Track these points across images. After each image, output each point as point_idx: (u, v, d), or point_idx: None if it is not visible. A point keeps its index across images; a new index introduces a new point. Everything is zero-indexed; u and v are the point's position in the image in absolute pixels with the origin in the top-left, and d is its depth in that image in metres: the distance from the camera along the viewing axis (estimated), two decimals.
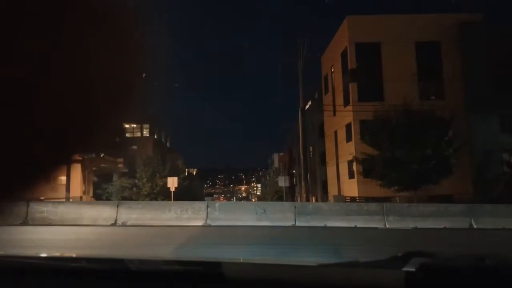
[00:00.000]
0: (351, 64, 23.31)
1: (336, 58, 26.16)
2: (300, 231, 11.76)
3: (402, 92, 18.79)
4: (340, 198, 22.25)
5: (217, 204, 14.18)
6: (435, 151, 16.82)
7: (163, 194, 24.01)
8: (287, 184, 23.81)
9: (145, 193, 25.49)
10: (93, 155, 22.88)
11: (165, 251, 7.60)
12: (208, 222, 12.76)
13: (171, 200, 19.27)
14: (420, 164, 16.57)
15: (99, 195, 26.75)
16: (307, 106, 28.88)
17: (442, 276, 1.08)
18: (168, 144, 43.95)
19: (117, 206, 13.04)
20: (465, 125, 20.05)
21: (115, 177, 29.20)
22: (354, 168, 21.76)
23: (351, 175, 23.32)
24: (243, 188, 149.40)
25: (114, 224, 12.48)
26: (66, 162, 0.64)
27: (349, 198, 22.00)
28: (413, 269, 1.08)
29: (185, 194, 24.45)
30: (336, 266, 1.27)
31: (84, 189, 26.42)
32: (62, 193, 20.50)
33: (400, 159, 16.59)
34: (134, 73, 0.63)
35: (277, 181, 26.55)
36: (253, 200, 61.15)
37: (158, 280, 1.20)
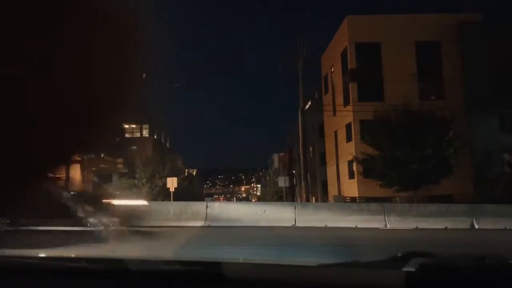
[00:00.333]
0: (351, 64, 23.26)
1: (336, 58, 26.11)
2: (300, 232, 11.69)
3: (402, 92, 18.75)
4: (340, 198, 22.18)
5: (216, 204, 14.11)
6: (435, 151, 16.78)
7: (163, 195, 23.96)
8: (287, 184, 23.75)
9: (145, 193, 25.44)
10: (93, 156, 22.83)
11: (164, 252, 7.54)
12: (208, 222, 12.69)
13: (170, 200, 19.19)
14: (420, 164, 16.53)
15: None
16: (307, 106, 28.82)
17: (442, 276, 1.08)
18: (167, 145, 43.89)
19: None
20: (465, 125, 20.01)
21: (114, 178, 29.14)
22: (354, 168, 21.72)
23: (351, 175, 23.26)
24: (243, 189, 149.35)
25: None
26: (65, 163, 0.64)
27: (349, 198, 21.93)
28: (413, 269, 1.08)
29: (184, 194, 24.37)
30: (336, 266, 1.27)
31: (83, 189, 26.35)
32: None
33: (400, 159, 16.55)
34: (134, 73, 0.63)
35: (277, 181, 26.49)
36: (253, 200, 61.14)
37: (158, 280, 1.21)
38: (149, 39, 0.63)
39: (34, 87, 0.52)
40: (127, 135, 35.15)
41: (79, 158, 20.74)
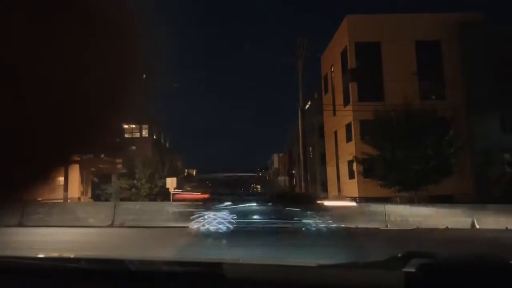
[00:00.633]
0: (351, 63, 23.18)
1: (336, 58, 26.04)
2: (300, 232, 11.59)
3: (402, 92, 18.65)
4: (341, 198, 22.08)
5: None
6: (436, 151, 16.69)
7: (163, 195, 23.86)
8: (287, 184, 23.63)
9: (144, 194, 25.32)
10: (92, 156, 22.74)
11: (163, 253, 7.46)
12: None
13: (170, 201, 19.09)
14: (421, 164, 16.44)
15: (98, 196, 26.57)
16: (307, 106, 28.75)
17: (442, 276, 1.08)
18: (167, 145, 43.81)
19: (114, 207, 12.88)
20: (465, 125, 19.95)
21: (114, 178, 29.02)
22: (354, 168, 21.64)
23: (351, 175, 23.18)
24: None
25: (111, 225, 12.32)
26: (64, 163, 0.63)
27: (349, 198, 21.84)
28: (413, 270, 1.09)
29: None
30: (336, 267, 1.28)
31: (82, 190, 26.27)
32: (60, 194, 20.31)
33: (401, 159, 16.46)
34: (134, 73, 0.63)
35: (277, 181, 26.37)
36: None
37: (158, 280, 1.21)
38: (149, 40, 0.63)
39: (33, 87, 0.51)
40: (126, 135, 35.06)
41: (78, 159, 20.64)
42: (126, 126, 33.66)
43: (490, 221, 12.22)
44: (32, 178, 0.58)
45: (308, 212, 9.99)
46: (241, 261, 1.63)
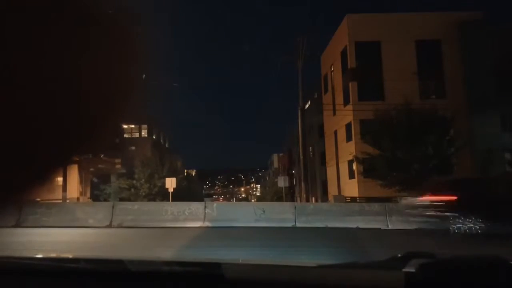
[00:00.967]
0: (351, 63, 23.10)
1: (336, 57, 25.95)
2: (300, 232, 11.51)
3: (403, 91, 18.58)
4: (341, 198, 21.98)
5: (215, 205, 13.89)
6: (436, 151, 16.59)
7: (162, 195, 23.78)
8: (287, 184, 23.53)
9: (144, 194, 25.27)
10: (91, 156, 22.64)
11: (162, 253, 7.36)
12: (206, 223, 12.51)
13: (169, 201, 18.99)
14: (421, 164, 16.34)
15: (97, 196, 26.49)
16: (307, 106, 28.66)
17: (442, 276, 1.08)
18: (166, 145, 43.75)
19: (112, 207, 12.77)
20: (466, 124, 19.85)
21: (113, 178, 28.93)
22: (354, 168, 21.54)
23: (351, 175, 23.09)
24: (242, 189, 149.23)
25: (109, 226, 12.21)
26: (64, 164, 0.63)
27: (349, 198, 21.75)
28: (413, 270, 1.09)
29: (184, 195, 24.19)
30: (336, 267, 1.28)
31: (81, 190, 26.15)
32: (58, 194, 20.19)
33: (401, 158, 16.37)
34: (133, 73, 0.62)
35: (277, 181, 26.29)
36: (253, 201, 60.91)
37: (158, 281, 1.20)
38: (149, 40, 0.62)
39: (32, 88, 0.51)
40: (126, 135, 34.99)
41: (77, 159, 20.54)
42: (125, 126, 33.58)
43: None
44: (31, 178, 0.57)
45: None
46: (241, 261, 1.61)
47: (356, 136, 21.28)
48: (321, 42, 35.35)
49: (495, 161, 19.64)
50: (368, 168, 18.30)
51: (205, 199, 39.79)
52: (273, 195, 37.11)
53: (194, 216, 12.67)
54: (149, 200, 23.55)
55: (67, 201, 20.30)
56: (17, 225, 11.41)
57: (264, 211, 12.88)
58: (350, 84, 22.88)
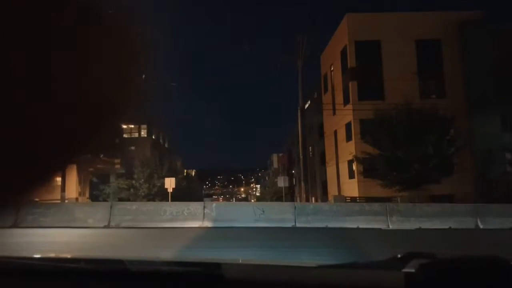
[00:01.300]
0: (351, 62, 23.03)
1: (336, 57, 25.89)
2: (300, 232, 11.45)
3: (403, 91, 18.51)
4: (341, 198, 21.90)
5: (214, 205, 13.82)
6: (437, 150, 16.53)
7: (161, 195, 23.69)
8: (287, 184, 23.46)
9: (143, 194, 25.17)
10: (90, 156, 22.56)
11: (160, 253, 7.29)
12: (205, 223, 12.43)
13: (169, 201, 18.91)
14: (422, 164, 16.28)
15: (96, 196, 26.39)
16: (307, 106, 28.60)
17: (442, 277, 1.08)
18: (166, 145, 43.64)
19: (111, 207, 12.69)
20: (466, 124, 19.79)
21: (112, 178, 28.85)
22: (354, 168, 21.47)
23: (351, 175, 23.02)
24: (242, 189, 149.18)
25: (107, 226, 12.13)
26: (63, 164, 0.62)
27: (349, 198, 21.68)
28: (413, 270, 1.09)
29: (183, 195, 24.11)
30: (336, 268, 1.28)
31: (80, 190, 26.07)
32: (57, 194, 20.12)
33: (401, 158, 16.30)
34: (133, 73, 0.63)
35: (277, 181, 26.23)
36: (252, 201, 60.84)
37: (158, 281, 1.20)
38: (148, 40, 0.62)
39: (31, 88, 0.51)
40: (125, 135, 34.89)
41: (76, 159, 20.47)
42: (125, 126, 33.50)
43: (493, 221, 12.05)
44: (30, 179, 0.57)
45: None
46: (240, 261, 1.61)
47: (356, 136, 21.21)
48: (321, 42, 35.29)
49: (495, 160, 19.59)
50: (368, 168, 18.23)
51: (204, 199, 39.73)
52: (273, 195, 37.03)
53: (193, 216, 12.60)
54: (149, 200, 23.45)
55: (66, 201, 20.22)
56: (15, 225, 11.33)
57: (263, 211, 12.82)
58: (350, 84, 22.81)
